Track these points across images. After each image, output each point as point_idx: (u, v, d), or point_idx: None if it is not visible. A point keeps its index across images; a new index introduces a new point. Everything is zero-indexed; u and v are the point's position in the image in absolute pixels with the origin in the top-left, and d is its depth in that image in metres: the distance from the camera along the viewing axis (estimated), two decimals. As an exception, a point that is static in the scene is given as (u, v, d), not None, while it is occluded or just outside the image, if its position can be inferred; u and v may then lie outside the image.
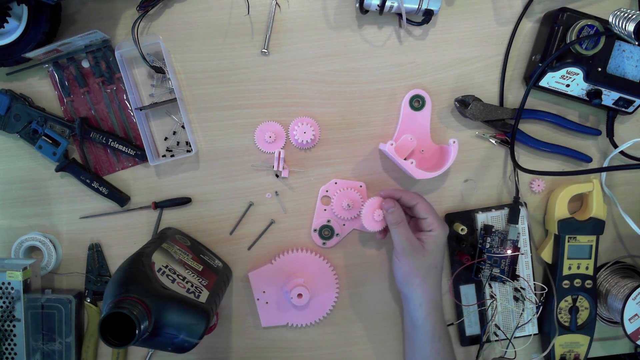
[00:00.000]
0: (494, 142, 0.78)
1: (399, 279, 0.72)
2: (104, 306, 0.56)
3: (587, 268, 0.77)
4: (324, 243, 0.79)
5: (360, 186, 0.78)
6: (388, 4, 0.70)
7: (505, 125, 0.77)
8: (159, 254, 0.64)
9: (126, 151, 0.75)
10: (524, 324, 0.80)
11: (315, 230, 0.79)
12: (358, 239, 0.80)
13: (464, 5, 0.75)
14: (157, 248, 0.65)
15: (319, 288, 0.79)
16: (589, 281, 0.78)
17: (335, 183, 0.78)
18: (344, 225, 0.79)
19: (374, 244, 0.80)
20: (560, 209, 0.77)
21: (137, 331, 0.50)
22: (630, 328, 0.74)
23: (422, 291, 0.70)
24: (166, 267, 0.62)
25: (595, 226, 0.77)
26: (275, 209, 0.79)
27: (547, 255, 0.79)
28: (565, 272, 0.77)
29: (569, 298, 0.78)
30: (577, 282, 0.78)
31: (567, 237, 0.77)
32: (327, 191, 0.78)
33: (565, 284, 0.78)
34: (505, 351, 0.80)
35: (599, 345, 0.84)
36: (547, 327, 0.80)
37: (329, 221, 0.78)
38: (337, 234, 0.79)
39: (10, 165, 0.77)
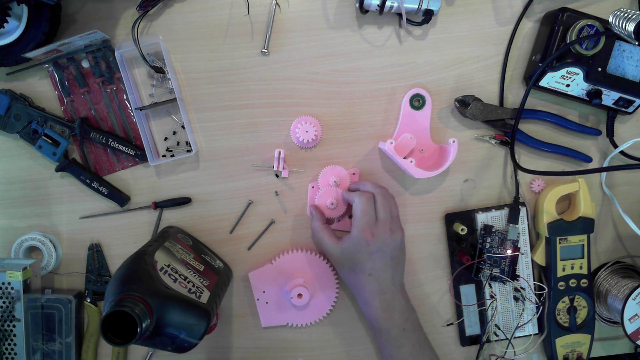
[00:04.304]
0: (493, 142, 0.78)
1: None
2: (105, 304, 0.56)
3: (581, 267, 0.77)
4: None
5: (335, 180, 0.78)
6: (388, 4, 0.70)
7: (505, 125, 0.77)
8: (162, 252, 0.64)
9: (126, 151, 0.75)
10: (524, 324, 0.80)
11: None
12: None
13: (464, 5, 0.75)
14: (159, 247, 0.65)
15: (319, 288, 0.78)
16: (584, 280, 0.78)
17: (312, 187, 0.78)
18: (339, 220, 0.79)
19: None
20: (549, 212, 0.77)
21: (138, 330, 0.50)
22: (630, 328, 0.74)
23: (351, 288, 0.75)
24: (168, 266, 0.62)
25: (585, 225, 0.77)
26: (275, 209, 0.79)
27: (540, 257, 0.79)
28: (560, 273, 0.77)
29: (565, 299, 0.78)
30: (573, 283, 0.78)
31: (557, 239, 0.77)
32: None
33: (561, 285, 0.77)
34: (505, 351, 0.80)
35: (599, 345, 0.84)
36: (546, 329, 0.80)
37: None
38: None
39: (10, 165, 0.77)
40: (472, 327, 0.81)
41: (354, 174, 0.78)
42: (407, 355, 0.71)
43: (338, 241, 0.73)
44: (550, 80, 0.72)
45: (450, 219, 0.79)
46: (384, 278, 0.71)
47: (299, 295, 0.75)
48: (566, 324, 0.79)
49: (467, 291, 0.81)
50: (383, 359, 0.74)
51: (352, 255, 0.71)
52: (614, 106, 0.74)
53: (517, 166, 0.75)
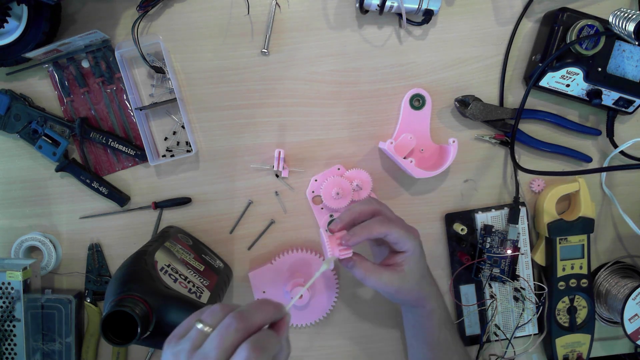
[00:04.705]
0: (493, 142, 0.78)
1: (400, 302, 0.73)
2: (105, 304, 0.56)
3: (580, 267, 0.78)
4: None
5: (338, 169, 0.78)
6: (388, 4, 0.70)
7: (505, 125, 0.77)
8: (162, 252, 0.64)
9: (126, 151, 0.75)
10: (524, 324, 0.80)
11: (326, 230, 0.78)
12: (358, 239, 0.80)
13: (464, 5, 0.75)
14: (159, 247, 0.65)
15: (319, 288, 0.78)
16: (584, 280, 0.78)
17: (315, 180, 0.78)
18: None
19: (374, 244, 0.80)
20: (549, 212, 0.77)
21: (138, 330, 0.50)
22: (630, 328, 0.74)
23: (425, 298, 0.68)
24: (168, 266, 0.62)
25: (585, 225, 0.77)
26: (275, 209, 0.79)
27: (540, 258, 0.79)
28: (560, 273, 0.77)
29: (565, 299, 0.78)
30: (573, 283, 0.78)
31: (557, 239, 0.77)
32: (313, 192, 0.78)
33: (561, 285, 0.78)
34: (505, 351, 0.80)
35: (599, 345, 0.84)
36: (546, 329, 0.80)
37: (331, 216, 0.78)
38: None
39: (10, 165, 0.77)
40: (472, 327, 0.81)
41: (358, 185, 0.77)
42: (459, 343, 0.71)
43: (395, 268, 0.65)
44: (550, 80, 0.72)
45: (450, 219, 0.79)
46: (429, 275, 0.69)
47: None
48: (566, 324, 0.79)
49: (467, 291, 0.81)
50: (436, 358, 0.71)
51: (421, 261, 0.66)
52: (614, 106, 0.74)
53: (517, 166, 0.75)
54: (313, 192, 0.78)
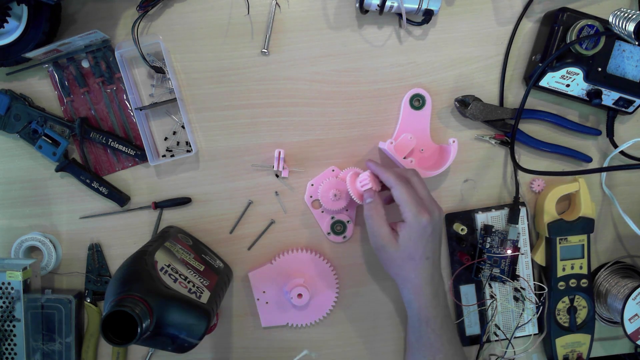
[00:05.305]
0: (493, 142, 0.78)
1: (385, 268, 0.72)
2: (105, 304, 0.56)
3: (581, 267, 0.78)
4: (344, 237, 0.79)
5: (333, 170, 0.78)
6: (388, 4, 0.70)
7: (505, 125, 0.77)
8: (162, 252, 0.64)
9: (126, 151, 0.75)
10: (524, 324, 0.80)
11: (329, 233, 0.79)
12: (359, 238, 0.80)
13: (464, 5, 0.75)
14: (159, 247, 0.65)
15: (319, 288, 0.78)
16: (584, 280, 0.78)
17: (312, 185, 0.78)
18: (346, 210, 0.79)
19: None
20: (549, 212, 0.77)
21: (138, 330, 0.50)
22: (630, 328, 0.74)
23: (402, 280, 0.69)
24: (168, 266, 0.62)
25: (585, 225, 0.77)
26: (275, 209, 0.79)
27: (540, 257, 0.79)
28: (560, 273, 0.77)
29: (565, 299, 0.78)
30: (573, 283, 0.78)
31: (558, 239, 0.77)
32: (311, 197, 0.78)
33: (561, 285, 0.78)
34: (505, 351, 0.80)
35: (599, 345, 0.84)
36: (546, 329, 0.80)
37: (333, 217, 0.78)
38: (349, 222, 0.79)
39: (10, 165, 0.77)
40: (472, 327, 0.81)
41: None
42: (446, 344, 0.69)
43: (396, 235, 0.67)
44: (550, 80, 0.72)
45: (450, 219, 0.79)
46: (436, 259, 0.69)
47: (299, 295, 0.75)
48: (566, 324, 0.79)
49: (467, 291, 0.81)
50: (418, 352, 0.70)
51: (413, 242, 0.66)
52: (614, 106, 0.74)
53: (517, 166, 0.76)
54: (311, 197, 0.78)
